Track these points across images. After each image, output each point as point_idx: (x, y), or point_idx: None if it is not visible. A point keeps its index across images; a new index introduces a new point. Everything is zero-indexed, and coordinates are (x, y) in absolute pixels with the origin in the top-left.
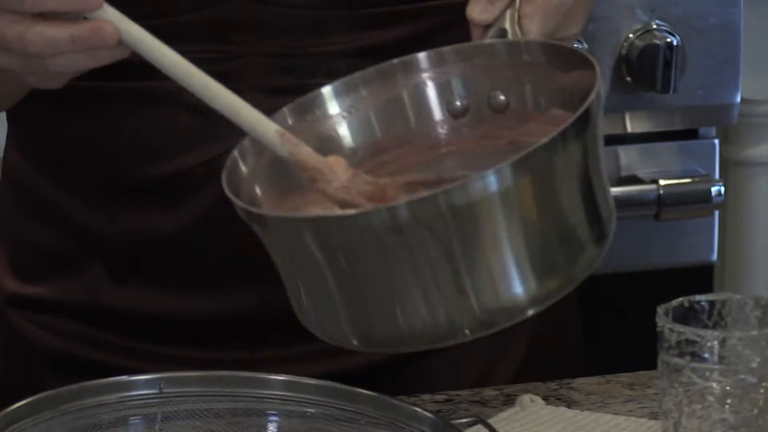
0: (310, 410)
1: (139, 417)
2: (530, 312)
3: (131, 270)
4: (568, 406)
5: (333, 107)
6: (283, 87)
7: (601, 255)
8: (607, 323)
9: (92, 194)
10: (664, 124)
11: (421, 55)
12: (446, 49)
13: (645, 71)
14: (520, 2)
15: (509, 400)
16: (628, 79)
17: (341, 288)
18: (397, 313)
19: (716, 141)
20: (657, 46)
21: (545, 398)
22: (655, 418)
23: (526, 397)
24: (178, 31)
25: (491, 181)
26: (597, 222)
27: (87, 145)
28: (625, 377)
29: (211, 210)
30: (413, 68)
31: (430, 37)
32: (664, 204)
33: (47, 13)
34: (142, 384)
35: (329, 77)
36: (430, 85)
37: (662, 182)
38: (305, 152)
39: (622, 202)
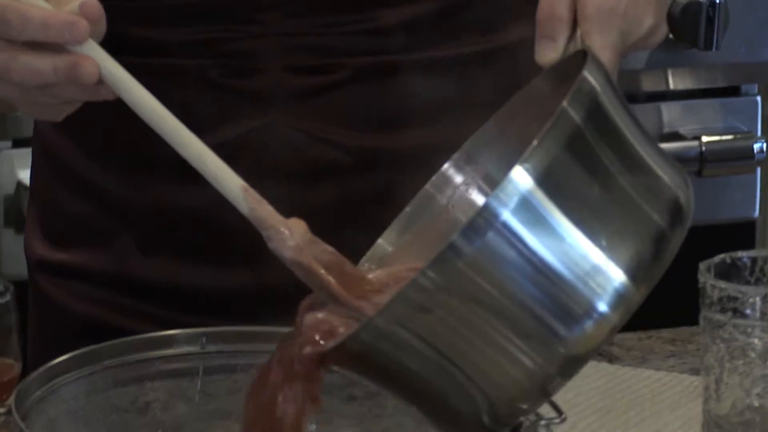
0: None
1: (180, 371)
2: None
3: (159, 241)
4: (609, 362)
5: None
6: (306, 66)
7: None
8: None
9: (121, 166)
10: (707, 81)
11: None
12: (467, 144)
13: (688, 28)
14: (579, 23)
15: None
16: (671, 36)
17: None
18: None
19: (758, 98)
20: (700, 3)
21: None
22: (697, 374)
23: None
24: (203, 12)
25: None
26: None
27: (116, 118)
28: (667, 333)
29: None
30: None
31: (452, 14)
32: (706, 160)
33: (37, 44)
34: (184, 339)
35: (350, 56)
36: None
37: (704, 139)
38: (266, 210)
39: None
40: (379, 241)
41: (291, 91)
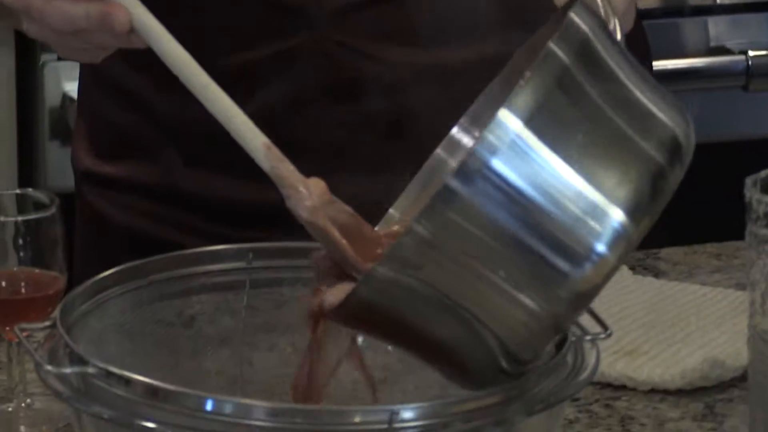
0: None
1: (226, 285)
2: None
3: (204, 156)
4: (655, 276)
5: None
6: None
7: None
8: (694, 194)
9: (165, 81)
10: None
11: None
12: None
13: None
14: None
15: None
16: None
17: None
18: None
19: None
20: None
21: (632, 268)
22: (742, 289)
23: None
24: None
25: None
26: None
27: None
28: (712, 248)
29: (278, 103)
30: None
31: None
32: (752, 75)
33: None
34: (231, 255)
35: None
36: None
37: (751, 53)
38: (287, 169)
39: (710, 73)
40: (391, 210)
41: (336, 5)
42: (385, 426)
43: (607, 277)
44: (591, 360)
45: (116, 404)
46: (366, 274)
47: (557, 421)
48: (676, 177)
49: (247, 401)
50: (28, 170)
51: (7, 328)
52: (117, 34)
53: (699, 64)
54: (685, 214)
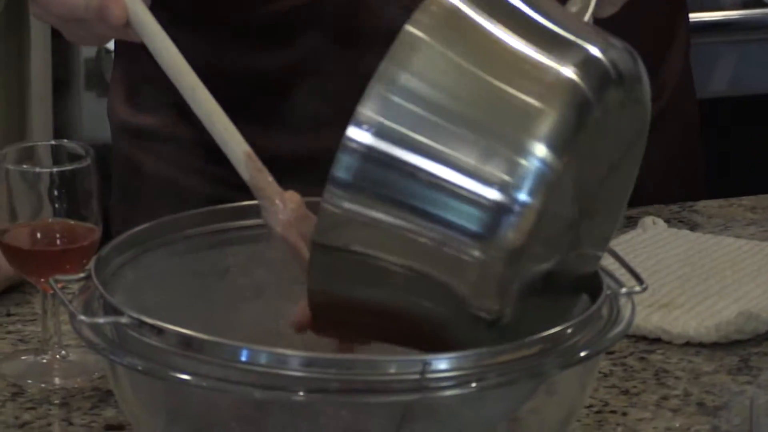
0: None
1: (261, 238)
2: None
3: (235, 108)
4: (691, 229)
5: None
6: None
7: None
8: (729, 147)
9: (200, 31)
10: None
11: None
12: None
13: None
14: None
15: (631, 222)
16: None
17: None
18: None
19: None
20: None
21: (667, 221)
22: None
23: (648, 219)
24: None
25: None
26: None
27: None
28: (748, 200)
29: (311, 53)
30: None
31: None
32: None
33: None
34: None
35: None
36: None
37: None
38: (265, 179)
39: (744, 26)
40: None
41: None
42: (417, 376)
43: (536, 224)
44: (626, 313)
45: (150, 355)
46: (308, 265)
47: (592, 374)
48: (606, 105)
49: (282, 351)
50: (63, 121)
51: (42, 280)
52: (113, 26)
53: (735, 17)
54: (721, 167)
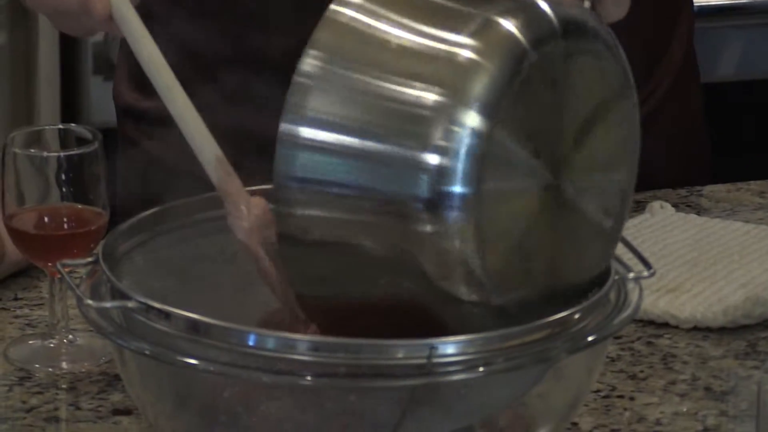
0: None
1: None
2: None
3: (241, 91)
4: (698, 214)
5: None
6: None
7: None
8: (737, 131)
9: (211, 16)
10: None
11: None
12: None
13: None
14: None
15: (639, 207)
16: None
17: None
18: None
19: None
20: None
21: (675, 205)
22: None
23: (656, 204)
24: None
25: None
26: None
27: None
28: (756, 185)
29: None
30: None
31: None
32: None
33: None
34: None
35: None
36: None
37: None
38: (233, 184)
39: (750, 10)
40: None
41: None
42: (424, 361)
43: (482, 190)
44: (633, 298)
45: (158, 340)
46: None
47: (600, 359)
48: (550, 56)
49: (290, 335)
50: (71, 105)
51: (50, 264)
52: (97, 20)
53: (740, 1)
54: (728, 152)
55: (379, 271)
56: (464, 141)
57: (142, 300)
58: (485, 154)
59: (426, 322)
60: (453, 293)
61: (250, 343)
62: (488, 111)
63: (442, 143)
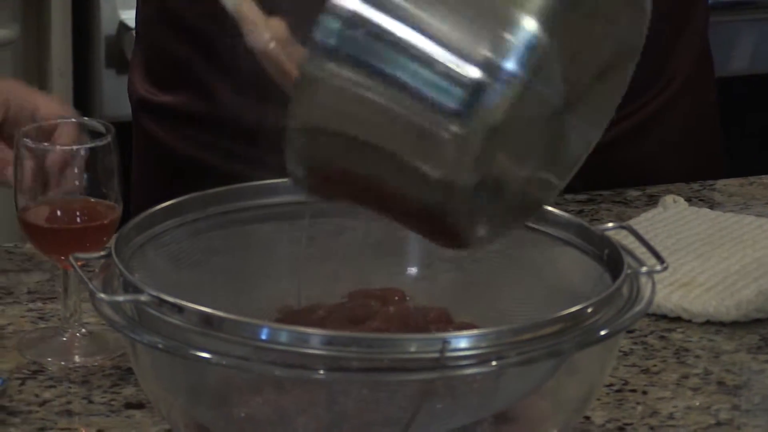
0: None
1: (285, 215)
2: None
3: (252, 86)
4: (711, 208)
5: None
6: None
7: None
8: (750, 125)
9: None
10: None
11: None
12: None
13: None
14: None
15: (652, 201)
16: None
17: None
18: None
19: None
20: None
21: (688, 199)
22: None
23: (668, 198)
24: None
25: None
26: None
27: None
28: None
29: None
30: None
31: None
32: None
33: None
34: (290, 188)
35: None
36: None
37: None
38: (250, 8)
39: (764, 4)
40: None
41: None
42: (437, 354)
43: (523, 91)
44: (646, 292)
45: (170, 334)
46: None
47: (612, 353)
48: None
49: (303, 329)
50: (83, 99)
51: (63, 258)
52: None
53: None
54: (741, 146)
55: (386, 162)
56: (524, 44)
57: (155, 294)
58: (539, 62)
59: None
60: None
61: (263, 336)
62: (548, 25)
63: (496, 47)
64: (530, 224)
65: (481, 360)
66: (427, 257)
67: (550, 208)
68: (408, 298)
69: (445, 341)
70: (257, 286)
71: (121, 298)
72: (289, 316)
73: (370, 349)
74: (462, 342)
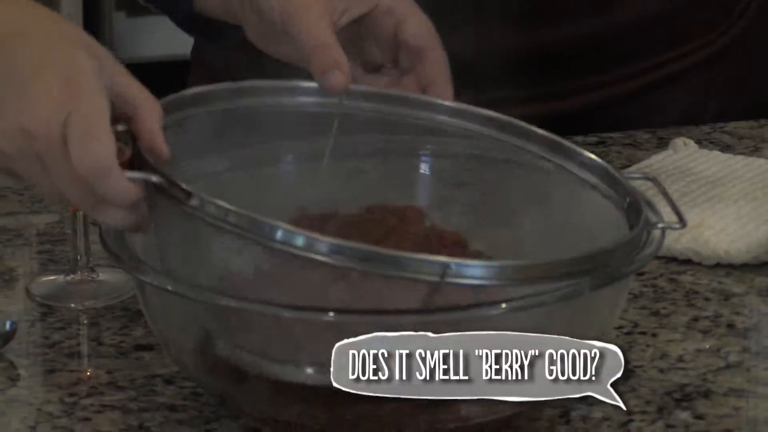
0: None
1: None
2: None
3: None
4: (721, 150)
5: None
6: None
7: None
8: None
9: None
10: None
11: None
12: None
13: None
14: None
15: (662, 143)
16: None
17: None
18: None
19: None
20: None
21: (698, 141)
22: None
23: (679, 141)
24: None
25: None
26: None
27: None
28: None
29: None
30: None
31: None
32: None
33: None
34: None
35: None
36: None
37: None
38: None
39: None
40: None
41: None
42: (437, 278)
43: None
44: (656, 234)
45: (180, 226)
46: None
47: (622, 295)
48: None
49: (312, 234)
50: None
51: None
52: None
53: None
54: (752, 88)
55: None
56: None
57: (167, 176)
58: None
59: None
60: None
61: (266, 231)
62: None
63: None
64: (558, 162)
65: (491, 303)
66: (434, 197)
67: (578, 149)
68: (426, 218)
69: (447, 266)
70: (275, 187)
71: (131, 174)
72: (303, 221)
73: (370, 263)
74: (464, 269)
